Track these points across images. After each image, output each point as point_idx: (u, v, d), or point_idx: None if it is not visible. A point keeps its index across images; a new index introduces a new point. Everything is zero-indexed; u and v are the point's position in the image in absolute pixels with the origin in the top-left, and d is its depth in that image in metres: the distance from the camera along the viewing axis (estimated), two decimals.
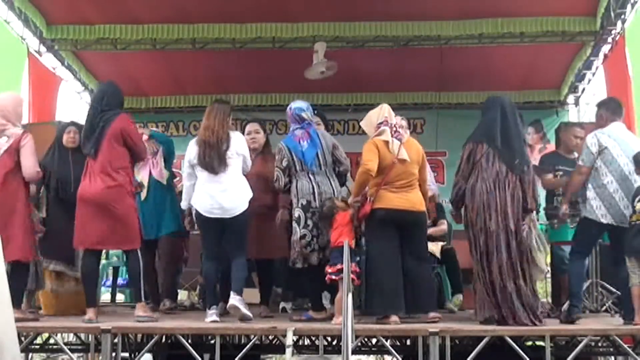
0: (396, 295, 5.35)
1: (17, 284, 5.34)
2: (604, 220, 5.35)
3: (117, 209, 5.34)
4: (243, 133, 6.19)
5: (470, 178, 5.34)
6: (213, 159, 5.46)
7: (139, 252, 5.49)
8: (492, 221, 5.18)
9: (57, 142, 6.21)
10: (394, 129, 5.52)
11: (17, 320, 5.00)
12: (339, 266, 5.18)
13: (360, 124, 5.91)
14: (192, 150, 5.59)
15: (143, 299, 5.48)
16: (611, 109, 5.72)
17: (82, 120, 10.15)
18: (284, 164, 5.72)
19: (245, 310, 5.35)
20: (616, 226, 5.36)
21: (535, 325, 5.10)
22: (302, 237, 5.60)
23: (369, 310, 5.47)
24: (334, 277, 5.29)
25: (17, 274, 5.35)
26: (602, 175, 5.39)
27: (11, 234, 5.22)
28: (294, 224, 5.67)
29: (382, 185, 5.38)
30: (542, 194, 7.02)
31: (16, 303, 5.21)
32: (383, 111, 5.61)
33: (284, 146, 5.77)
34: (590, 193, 5.44)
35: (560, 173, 6.48)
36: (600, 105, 5.88)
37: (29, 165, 5.41)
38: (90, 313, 5.33)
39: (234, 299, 5.34)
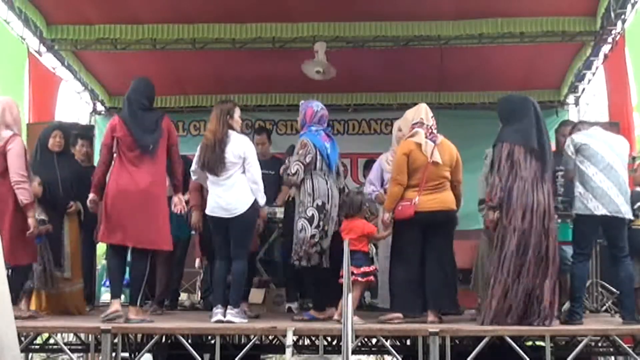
0: (416, 297, 5.42)
1: (17, 285, 5.42)
2: (597, 213, 5.37)
3: (160, 207, 5.38)
4: (244, 133, 6.16)
5: (508, 178, 5.33)
6: (211, 161, 5.48)
7: (148, 255, 5.50)
8: (526, 221, 5.21)
9: (40, 145, 6.15)
10: (430, 130, 5.53)
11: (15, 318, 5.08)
12: (364, 268, 5.40)
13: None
14: (197, 152, 5.66)
15: (138, 303, 5.49)
16: (583, 126, 5.92)
17: (82, 120, 10.26)
18: (308, 159, 5.71)
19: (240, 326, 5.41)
20: (610, 217, 5.38)
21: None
22: (312, 236, 5.63)
23: (393, 309, 5.49)
24: (359, 278, 5.38)
25: (22, 275, 5.52)
26: (586, 168, 5.46)
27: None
28: (304, 222, 5.67)
29: (422, 188, 5.40)
30: None
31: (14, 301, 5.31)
32: (419, 111, 5.62)
33: (309, 142, 5.75)
34: (579, 190, 5.49)
35: (561, 173, 6.49)
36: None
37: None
38: (116, 304, 5.30)
39: (230, 314, 5.38)
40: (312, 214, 5.65)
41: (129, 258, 5.60)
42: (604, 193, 5.36)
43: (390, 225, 5.54)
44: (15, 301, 5.32)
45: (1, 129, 5.50)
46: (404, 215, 5.42)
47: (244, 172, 5.53)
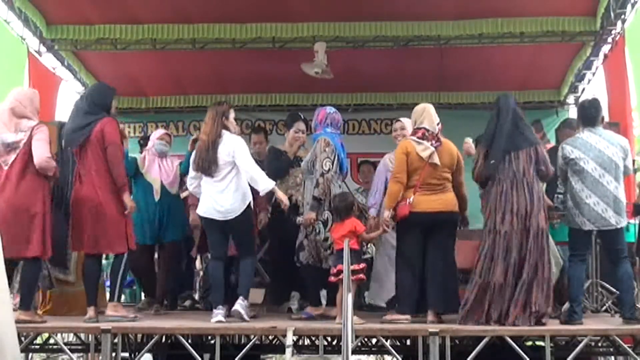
0: (421, 298, 5.43)
1: (30, 282, 5.36)
2: (585, 228, 5.41)
3: (101, 212, 5.29)
4: (244, 134, 6.21)
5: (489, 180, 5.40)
6: (205, 162, 5.49)
7: (124, 255, 5.49)
8: (504, 223, 5.23)
9: (59, 144, 6.03)
10: (433, 135, 5.50)
11: (25, 322, 5.04)
12: (353, 266, 5.24)
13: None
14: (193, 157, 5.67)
15: (116, 299, 5.49)
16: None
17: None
18: (333, 157, 5.77)
19: (246, 318, 5.41)
20: (598, 230, 5.43)
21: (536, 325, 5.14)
22: (325, 239, 5.71)
23: (399, 310, 5.50)
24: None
25: (31, 272, 5.33)
26: (574, 183, 5.47)
27: (30, 232, 5.18)
28: (319, 225, 5.73)
29: (417, 188, 5.42)
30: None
31: (27, 303, 5.26)
32: (423, 117, 5.58)
33: (332, 143, 5.80)
34: (569, 202, 5.54)
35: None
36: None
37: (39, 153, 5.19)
38: (91, 312, 5.34)
39: (238, 305, 5.40)
40: (327, 217, 5.74)
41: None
42: (590, 209, 5.35)
43: (390, 224, 5.52)
44: (29, 304, 5.34)
45: (26, 120, 5.29)
46: (400, 215, 5.43)
47: (237, 173, 5.52)
